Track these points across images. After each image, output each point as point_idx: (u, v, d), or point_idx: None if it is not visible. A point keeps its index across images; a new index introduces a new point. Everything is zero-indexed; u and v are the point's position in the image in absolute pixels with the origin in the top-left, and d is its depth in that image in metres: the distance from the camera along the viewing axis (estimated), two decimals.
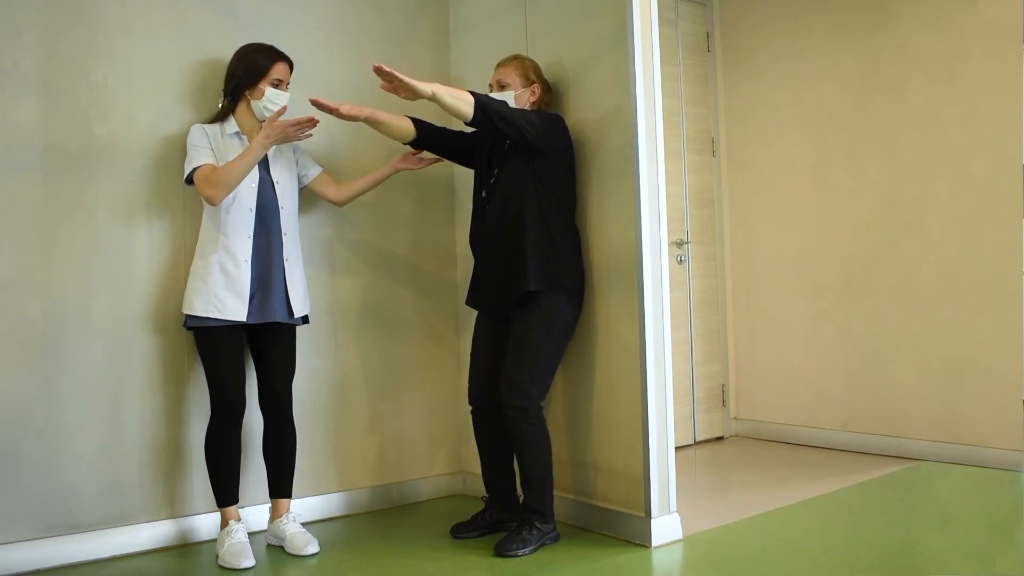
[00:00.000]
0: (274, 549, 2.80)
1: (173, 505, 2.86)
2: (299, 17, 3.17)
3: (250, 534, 2.78)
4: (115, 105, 2.79)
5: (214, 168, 2.65)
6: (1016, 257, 3.54)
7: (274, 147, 2.80)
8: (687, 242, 4.41)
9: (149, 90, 2.85)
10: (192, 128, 2.75)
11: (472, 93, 2.62)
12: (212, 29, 2.97)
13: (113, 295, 2.77)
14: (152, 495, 2.82)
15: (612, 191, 2.79)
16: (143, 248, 2.82)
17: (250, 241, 2.70)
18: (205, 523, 2.88)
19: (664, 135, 2.78)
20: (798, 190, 4.36)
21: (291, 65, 2.82)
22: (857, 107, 4.10)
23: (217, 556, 2.66)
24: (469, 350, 3.00)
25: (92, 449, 2.72)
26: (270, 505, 2.86)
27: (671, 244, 4.33)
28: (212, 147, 2.71)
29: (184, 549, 2.81)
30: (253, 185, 2.72)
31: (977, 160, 3.67)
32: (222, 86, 2.82)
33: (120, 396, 2.77)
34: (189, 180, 2.70)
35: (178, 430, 2.87)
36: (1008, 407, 3.55)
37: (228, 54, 2.91)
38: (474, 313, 3.02)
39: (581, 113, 2.92)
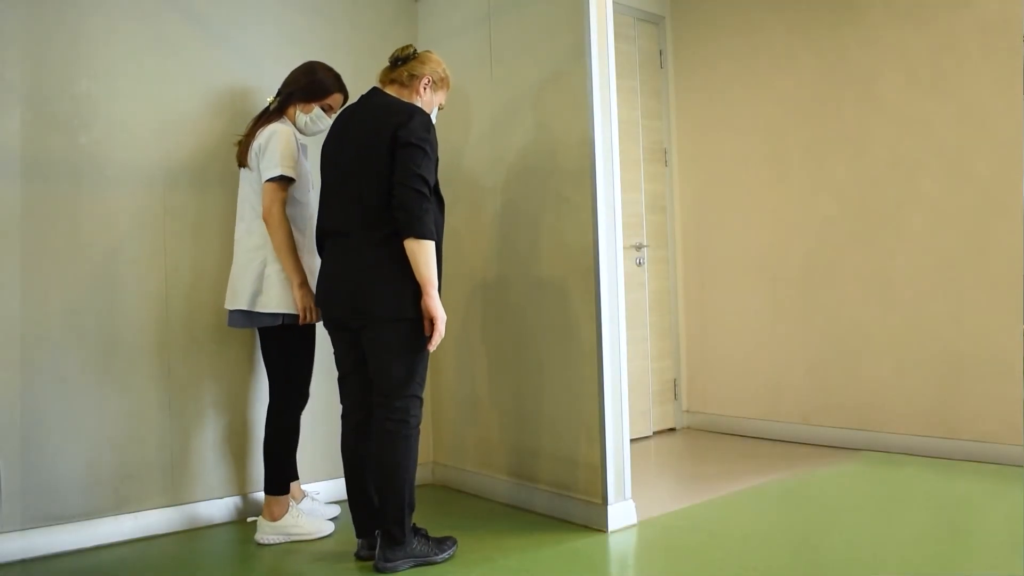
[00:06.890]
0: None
1: (160, 496, 2.96)
2: (274, 31, 3.31)
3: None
4: (98, 114, 2.90)
5: (285, 205, 2.76)
6: (1002, 252, 3.59)
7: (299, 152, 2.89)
8: (645, 246, 4.60)
9: (130, 100, 2.96)
10: (290, 133, 2.80)
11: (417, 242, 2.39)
12: (189, 42, 3.09)
13: (97, 294, 2.87)
14: (136, 487, 2.92)
15: (572, 198, 2.94)
16: (126, 251, 2.93)
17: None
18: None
19: (622, 145, 2.88)
20: (752, 192, 4.48)
21: (346, 100, 2.98)
22: (817, 105, 4.17)
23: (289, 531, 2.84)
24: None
25: (76, 441, 2.81)
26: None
27: (630, 248, 4.51)
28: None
29: (169, 538, 2.91)
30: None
31: (956, 154, 3.69)
32: (279, 87, 2.94)
33: (106, 390, 2.87)
34: (272, 179, 2.74)
35: (166, 423, 2.98)
36: (1008, 399, 3.57)
37: (204, 66, 3.06)
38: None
39: (543, 125, 3.06)
